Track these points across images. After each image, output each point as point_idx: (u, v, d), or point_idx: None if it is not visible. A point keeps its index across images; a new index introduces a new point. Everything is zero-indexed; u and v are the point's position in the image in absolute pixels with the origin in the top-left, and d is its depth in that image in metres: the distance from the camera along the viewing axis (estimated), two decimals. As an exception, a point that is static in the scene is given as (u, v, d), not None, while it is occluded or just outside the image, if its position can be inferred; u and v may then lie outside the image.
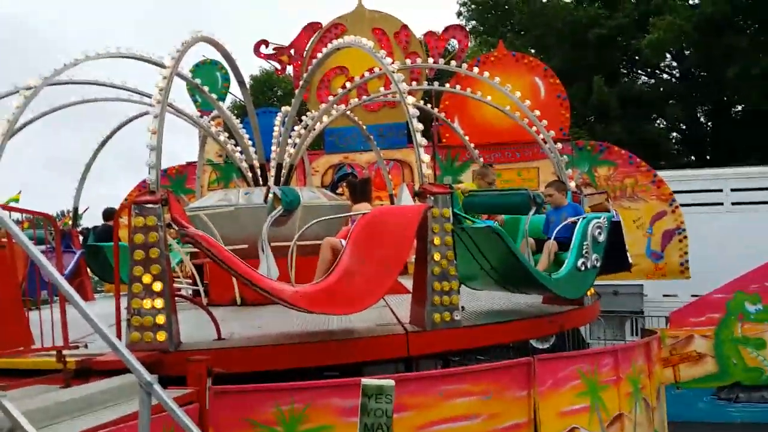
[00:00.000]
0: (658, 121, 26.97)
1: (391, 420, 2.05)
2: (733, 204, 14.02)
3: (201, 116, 9.52)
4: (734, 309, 8.78)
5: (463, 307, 6.27)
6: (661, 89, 26.05)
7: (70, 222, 10.15)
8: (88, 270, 9.65)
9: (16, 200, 12.40)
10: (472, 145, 10.14)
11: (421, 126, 5.55)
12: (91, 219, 12.35)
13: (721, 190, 14.14)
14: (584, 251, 6.29)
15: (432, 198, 5.34)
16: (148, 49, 7.20)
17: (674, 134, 28.10)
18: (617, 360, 5.80)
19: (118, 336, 4.65)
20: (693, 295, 10.51)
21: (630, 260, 6.96)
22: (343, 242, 5.16)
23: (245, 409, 4.16)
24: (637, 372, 6.13)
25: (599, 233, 6.41)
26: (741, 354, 8.71)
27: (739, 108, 25.80)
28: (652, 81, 27.11)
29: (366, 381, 2.20)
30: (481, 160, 10.34)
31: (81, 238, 10.04)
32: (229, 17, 65.48)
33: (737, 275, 9.02)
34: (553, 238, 6.33)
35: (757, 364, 8.68)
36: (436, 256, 5.25)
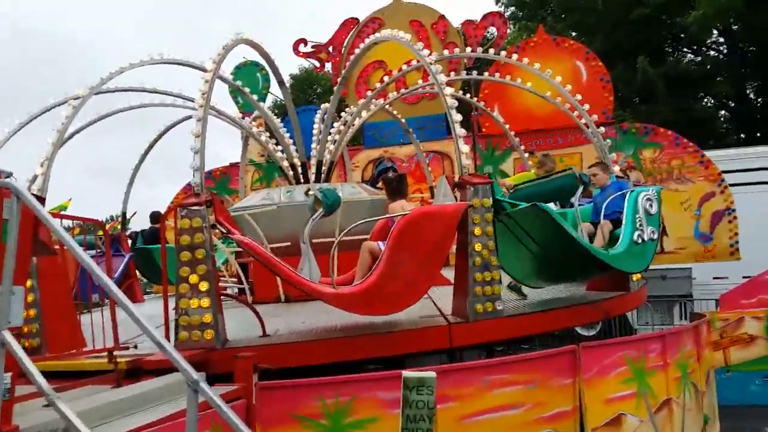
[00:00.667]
0: (705, 100, 26.23)
1: (433, 411, 2.08)
2: (785, 182, 13.58)
3: (242, 117, 9.68)
4: (787, 290, 8.53)
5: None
6: (708, 66, 25.27)
7: (119, 226, 10.45)
8: (137, 272, 9.91)
9: (65, 207, 12.81)
10: (513, 132, 10.07)
11: (459, 117, 5.55)
12: (139, 223, 12.67)
13: (771, 169, 13.72)
14: (638, 224, 6.20)
15: (472, 189, 5.34)
16: (149, 48, 7.38)
17: (723, 112, 27.29)
18: (664, 345, 5.71)
19: (167, 336, 4.80)
20: (744, 277, 10.21)
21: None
22: (381, 245, 5.18)
23: (291, 403, 4.24)
24: (685, 356, 6.03)
25: (650, 205, 6.31)
26: (794, 335, 8.48)
27: (792, 82, 24.92)
28: (699, 58, 26.33)
29: (407, 373, 2.24)
30: (522, 147, 10.25)
31: (129, 241, 10.32)
32: (261, 16, 65.96)
33: (790, 255, 8.77)
34: (602, 216, 6.25)
35: (812, 345, 8.42)
36: (477, 247, 5.26)
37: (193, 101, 6.98)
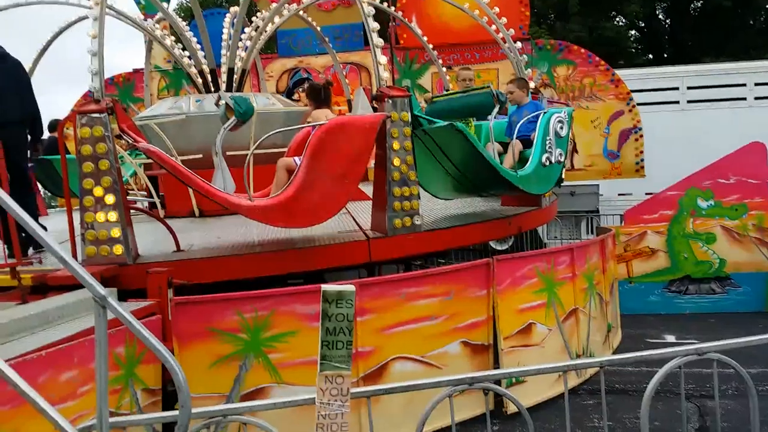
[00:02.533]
0: (617, 19, 26.69)
1: (352, 324, 2.06)
2: (689, 102, 14.13)
3: (145, 19, 9.06)
4: (686, 205, 9.00)
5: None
6: (621, -15, 25.61)
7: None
8: (39, 185, 9.37)
9: None
10: (431, 46, 9.91)
11: (377, 26, 5.38)
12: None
13: (677, 89, 14.20)
14: (547, 146, 6.31)
15: (390, 101, 5.23)
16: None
17: (633, 32, 27.91)
18: (573, 257, 5.93)
19: (74, 252, 4.56)
20: (647, 194, 10.71)
21: (563, 176, 7.01)
22: (297, 161, 5.05)
23: (208, 318, 4.16)
24: (591, 269, 6.30)
25: (561, 127, 6.42)
26: (692, 248, 9.01)
27: (698, 5, 25.61)
28: (612, -24, 26.59)
29: (326, 287, 2.19)
30: (440, 61, 10.14)
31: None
32: None
33: (691, 173, 9.20)
34: (515, 136, 6.31)
35: (707, 257, 8.99)
36: (396, 162, 5.21)
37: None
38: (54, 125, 10.29)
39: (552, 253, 5.91)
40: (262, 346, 4.22)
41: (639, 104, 12.72)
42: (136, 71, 13.68)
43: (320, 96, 6.00)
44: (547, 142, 6.33)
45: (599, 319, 6.50)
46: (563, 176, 7.05)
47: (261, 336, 4.22)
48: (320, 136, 4.76)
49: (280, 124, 6.98)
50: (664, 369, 2.68)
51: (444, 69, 10.14)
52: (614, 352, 6.84)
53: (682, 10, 25.34)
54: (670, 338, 7.70)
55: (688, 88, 14.05)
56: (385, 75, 5.36)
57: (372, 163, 5.51)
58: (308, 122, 5.78)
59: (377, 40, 5.30)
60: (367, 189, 5.96)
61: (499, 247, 11.01)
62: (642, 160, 12.41)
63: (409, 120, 5.33)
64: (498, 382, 3.07)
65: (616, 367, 5.79)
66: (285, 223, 4.89)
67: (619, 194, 13.17)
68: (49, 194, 11.18)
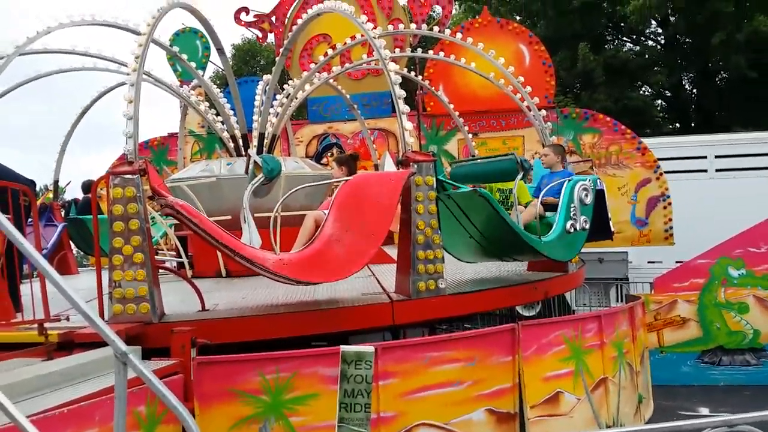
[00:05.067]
0: (642, 89, 26.92)
1: (371, 386, 2.04)
2: (717, 171, 14.06)
3: (181, 86, 9.37)
4: (718, 274, 8.85)
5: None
6: (646, 56, 25.93)
7: (52, 195, 10.04)
8: (72, 243, 9.56)
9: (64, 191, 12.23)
10: (457, 113, 10.07)
11: (404, 93, 5.49)
12: (75, 192, 12.22)
13: (705, 157, 14.17)
14: (572, 213, 6.30)
15: (415, 165, 5.29)
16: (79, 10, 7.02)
17: (659, 102, 28.10)
18: (601, 325, 5.83)
19: (101, 309, 4.61)
20: (677, 262, 10.58)
21: (612, 229, 6.97)
22: (326, 213, 5.11)
23: (230, 379, 4.14)
24: (621, 336, 6.18)
25: (586, 195, 6.41)
26: (724, 318, 8.81)
27: (724, 75, 25.77)
28: (637, 48, 26.98)
29: (345, 348, 2.19)
30: (466, 128, 10.28)
31: (63, 211, 9.94)
32: (210, -15, 64.02)
33: (721, 241, 9.08)
34: (541, 198, 6.32)
35: (740, 327, 8.78)
36: (420, 225, 5.23)
37: (126, 66, 6.70)
38: (88, 186, 10.59)
39: (579, 320, 5.81)
40: (283, 408, 4.17)
41: (667, 172, 12.70)
42: (170, 135, 14.07)
43: (350, 168, 6.16)
44: (572, 209, 6.32)
45: (629, 389, 6.33)
46: (613, 230, 7.01)
47: (282, 398, 4.17)
48: (347, 191, 4.83)
49: (309, 183, 7.09)
50: (694, 440, 2.59)
51: (470, 135, 10.26)
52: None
53: (708, 80, 25.52)
54: (704, 411, 7.47)
55: (716, 156, 14.02)
56: (411, 140, 5.43)
57: (398, 226, 5.54)
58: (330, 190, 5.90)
59: (403, 107, 5.41)
60: (392, 252, 5.96)
61: (526, 313, 10.88)
62: (671, 227, 12.30)
63: (434, 184, 5.38)
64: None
65: (646, 439, 5.60)
66: (309, 277, 4.88)
67: (649, 261, 13.02)
68: (81, 253, 11.38)
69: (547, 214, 6.45)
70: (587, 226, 6.50)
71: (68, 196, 11.14)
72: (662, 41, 26.75)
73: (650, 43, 27.30)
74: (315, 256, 4.65)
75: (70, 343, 4.19)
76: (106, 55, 8.22)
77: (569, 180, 6.49)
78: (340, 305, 5.12)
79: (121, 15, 6.96)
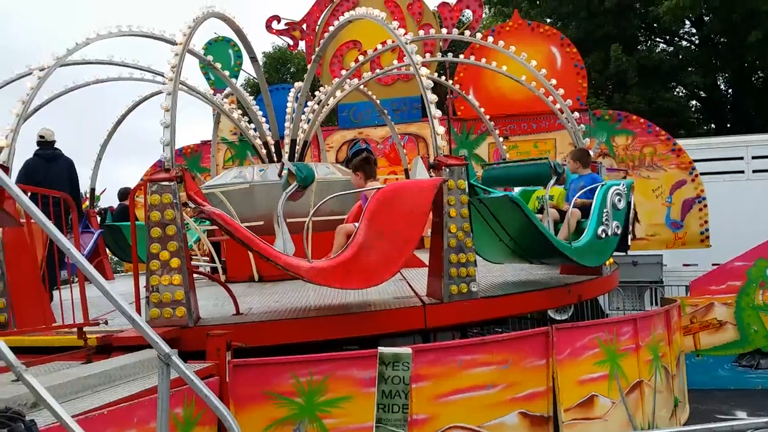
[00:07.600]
0: (677, 90, 26.49)
1: (408, 387, 2.06)
2: (754, 172, 13.79)
3: (214, 94, 9.51)
4: (755, 276, 8.70)
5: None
6: (680, 56, 25.52)
7: (88, 203, 10.25)
8: (107, 250, 9.74)
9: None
10: (488, 116, 10.05)
11: (435, 97, 5.50)
12: (110, 200, 12.44)
13: (741, 158, 13.91)
14: (604, 218, 6.24)
15: (447, 170, 5.31)
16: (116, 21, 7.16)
17: (694, 102, 27.61)
18: (636, 328, 5.77)
19: (138, 314, 4.70)
20: (713, 264, 10.40)
21: (629, 243, 6.88)
22: (356, 226, 5.15)
23: (264, 381, 4.20)
24: (656, 340, 6.10)
25: (619, 200, 6.35)
26: (762, 321, 8.65)
27: (761, 74, 25.27)
28: (671, 48, 26.57)
29: (383, 349, 2.22)
30: (497, 132, 10.25)
31: (99, 218, 10.14)
32: (241, -6, 64.74)
33: (758, 243, 8.91)
34: (572, 206, 6.28)
35: (778, 331, 8.62)
36: (452, 228, 5.24)
37: (162, 75, 6.81)
38: (124, 193, 10.79)
39: (614, 323, 5.76)
40: (317, 410, 4.22)
41: (702, 174, 12.50)
42: (203, 143, 14.28)
43: (366, 171, 6.15)
44: (604, 215, 6.26)
45: (665, 393, 6.25)
46: (629, 244, 6.93)
47: (316, 400, 4.22)
48: (379, 199, 4.86)
49: (340, 192, 7.14)
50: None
51: (501, 139, 10.22)
52: (682, 429, 6.53)
53: (744, 80, 25.04)
54: (741, 414, 7.33)
55: (753, 157, 13.75)
56: (443, 144, 5.45)
57: (428, 231, 5.55)
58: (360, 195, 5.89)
59: (435, 111, 5.42)
60: (423, 256, 5.97)
61: (558, 317, 10.78)
62: (707, 230, 12.10)
63: (466, 188, 5.38)
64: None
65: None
66: (342, 284, 4.93)
67: (684, 264, 12.81)
68: (116, 259, 11.58)
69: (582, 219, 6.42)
70: (619, 232, 6.42)
71: (103, 204, 11.34)
72: (696, 41, 26.31)
73: (684, 43, 26.87)
74: (347, 263, 4.69)
75: (108, 347, 4.29)
76: (141, 65, 8.38)
77: (602, 185, 6.44)
78: (373, 309, 5.15)
79: (154, 25, 7.08)
